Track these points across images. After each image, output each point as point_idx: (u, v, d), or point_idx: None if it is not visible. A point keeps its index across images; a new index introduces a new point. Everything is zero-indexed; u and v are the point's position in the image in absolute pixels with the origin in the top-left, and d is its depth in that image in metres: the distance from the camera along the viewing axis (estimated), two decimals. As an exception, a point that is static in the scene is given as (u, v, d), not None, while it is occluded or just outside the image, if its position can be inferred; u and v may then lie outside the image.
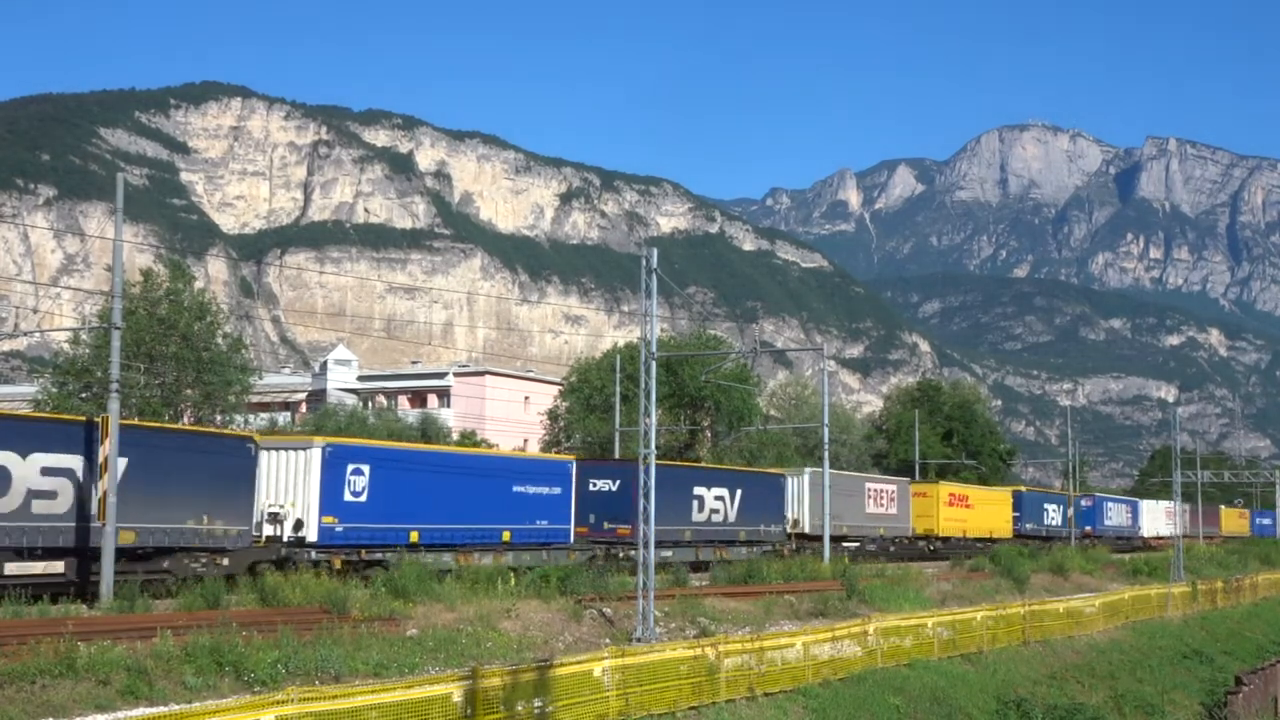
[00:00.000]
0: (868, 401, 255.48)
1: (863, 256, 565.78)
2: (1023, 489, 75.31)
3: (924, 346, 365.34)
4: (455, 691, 16.63)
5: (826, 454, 49.01)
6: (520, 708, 17.53)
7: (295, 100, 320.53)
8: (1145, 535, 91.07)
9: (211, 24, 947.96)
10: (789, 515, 49.69)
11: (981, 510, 66.81)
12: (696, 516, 43.48)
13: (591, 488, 40.48)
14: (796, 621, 29.13)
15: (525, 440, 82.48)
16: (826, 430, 49.34)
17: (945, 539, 62.37)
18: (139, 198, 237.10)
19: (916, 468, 73.67)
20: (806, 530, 49.84)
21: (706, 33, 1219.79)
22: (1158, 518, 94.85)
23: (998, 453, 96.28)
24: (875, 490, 56.58)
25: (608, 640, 23.33)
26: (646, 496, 25.49)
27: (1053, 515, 76.64)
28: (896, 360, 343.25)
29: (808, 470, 51.33)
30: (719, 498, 44.46)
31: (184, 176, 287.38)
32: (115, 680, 15.81)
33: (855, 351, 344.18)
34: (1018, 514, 71.21)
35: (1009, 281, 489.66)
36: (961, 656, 31.16)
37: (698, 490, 43.99)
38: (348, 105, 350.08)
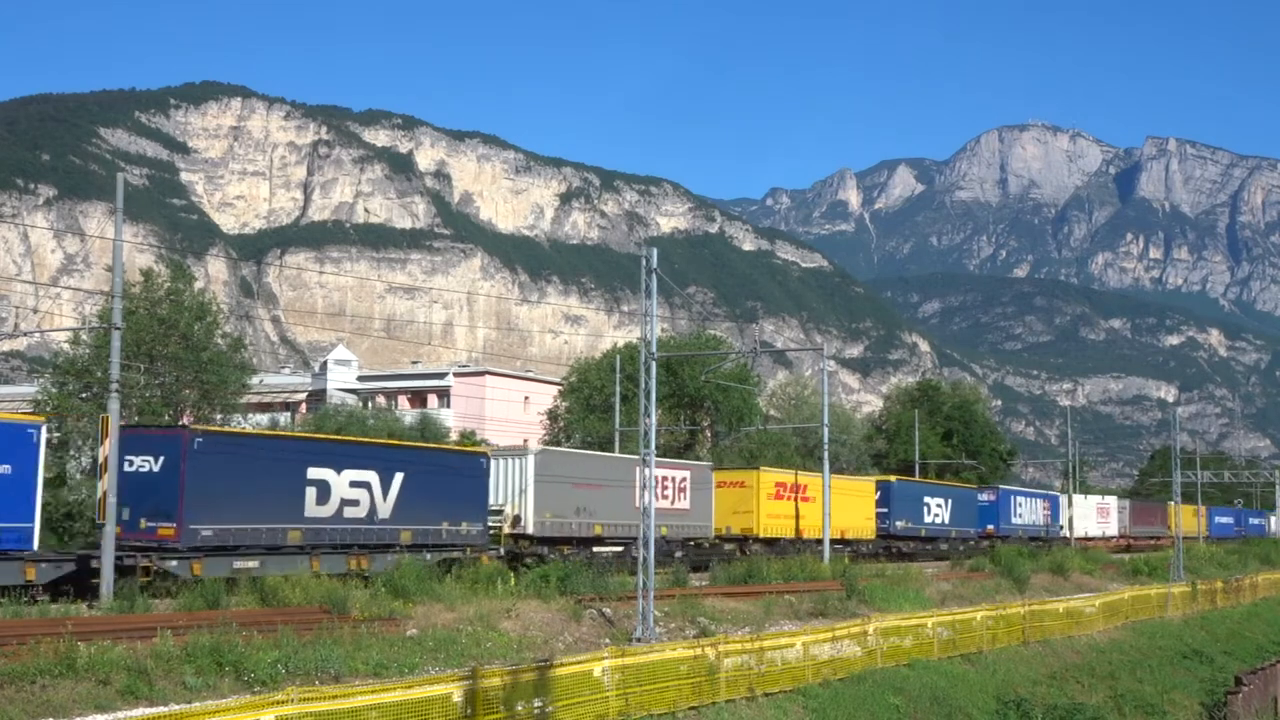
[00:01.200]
0: (868, 401, 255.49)
1: (863, 256, 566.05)
2: (891, 479, 61.43)
3: (924, 346, 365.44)
4: (455, 691, 16.63)
5: (826, 454, 49.10)
6: (520, 708, 17.53)
7: (295, 100, 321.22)
8: (1069, 536, 79.23)
9: (211, 24, 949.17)
10: (507, 511, 36.99)
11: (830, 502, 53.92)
12: (314, 510, 30.42)
13: (127, 468, 28.10)
14: (796, 621, 29.14)
15: (525, 440, 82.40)
16: (826, 430, 49.40)
17: (770, 541, 49.11)
18: (139, 198, 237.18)
19: (916, 468, 73.64)
20: (531, 530, 37.04)
21: (706, 33, 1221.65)
22: (1087, 516, 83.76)
23: (998, 453, 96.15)
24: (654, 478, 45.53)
25: (608, 640, 23.34)
26: (647, 492, 25.51)
27: (936, 511, 63.00)
28: (896, 360, 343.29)
29: (534, 449, 38.76)
30: (360, 484, 31.83)
31: (184, 176, 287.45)
32: (115, 680, 15.81)
33: (855, 351, 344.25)
34: (884, 509, 58.03)
35: (1009, 281, 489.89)
36: (961, 656, 31.17)
37: (317, 473, 30.53)
38: (348, 105, 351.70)
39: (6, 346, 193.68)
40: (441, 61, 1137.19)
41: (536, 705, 17.89)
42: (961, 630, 31.99)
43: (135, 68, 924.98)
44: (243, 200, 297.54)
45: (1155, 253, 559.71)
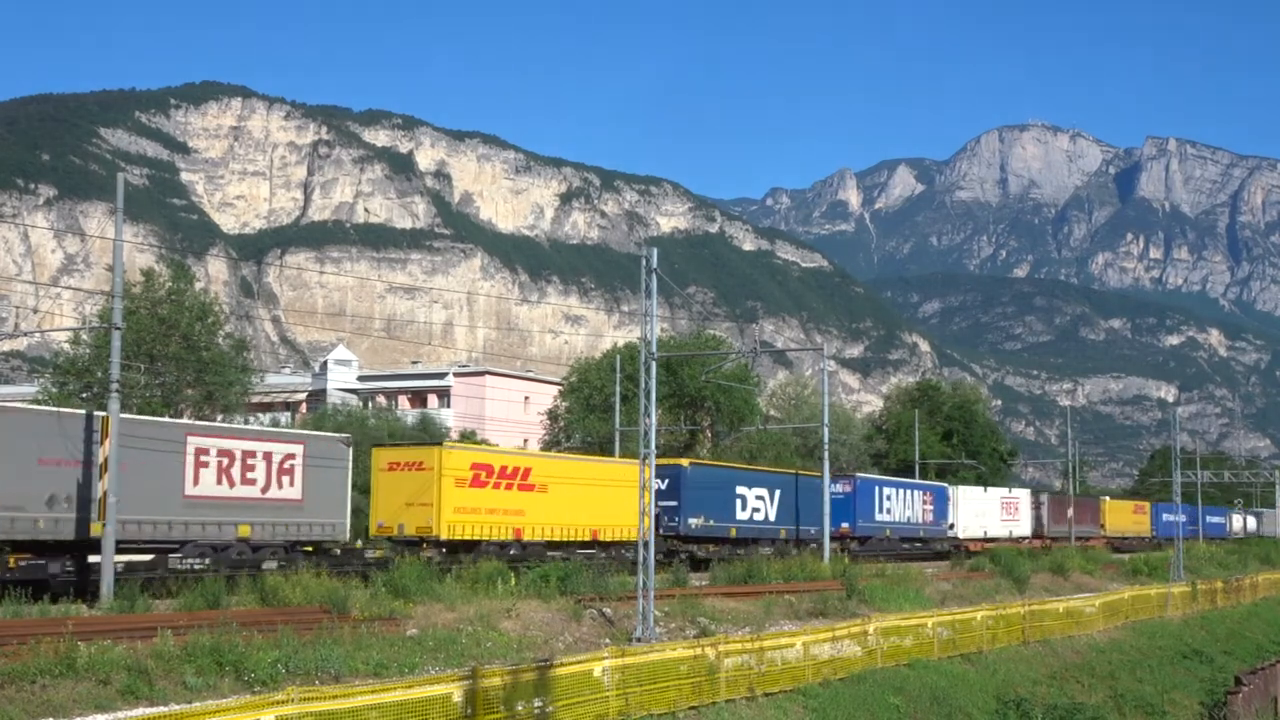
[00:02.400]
0: (868, 401, 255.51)
1: (863, 256, 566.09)
2: (683, 462, 47.86)
3: (924, 346, 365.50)
4: (455, 691, 16.64)
5: (826, 454, 49.01)
6: (520, 708, 17.53)
7: (295, 100, 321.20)
8: (961, 536, 67.13)
9: (211, 24, 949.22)
10: None
11: (570, 496, 39.85)
12: None
13: None
14: (796, 621, 29.16)
15: (525, 440, 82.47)
16: (826, 430, 49.33)
17: (463, 545, 35.80)
18: (139, 198, 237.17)
19: (916, 468, 73.57)
20: None
21: (707, 33, 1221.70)
22: (985, 512, 70.59)
23: (998, 453, 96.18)
24: (221, 453, 30.44)
25: (608, 640, 23.34)
26: (647, 494, 25.50)
27: (755, 505, 49.39)
28: (896, 360, 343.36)
29: None
30: None
31: (184, 176, 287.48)
32: (115, 680, 15.82)
33: (855, 351, 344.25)
34: (672, 502, 44.76)
35: (1009, 281, 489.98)
36: (961, 656, 31.18)
37: None
38: (348, 105, 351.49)
39: (6, 346, 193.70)
40: (441, 61, 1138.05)
41: (536, 705, 17.90)
42: (961, 630, 32.00)
43: (135, 68, 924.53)
44: (243, 200, 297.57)
45: (1155, 253, 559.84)
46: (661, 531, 43.15)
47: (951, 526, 67.05)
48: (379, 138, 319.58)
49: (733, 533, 47.92)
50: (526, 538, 37.78)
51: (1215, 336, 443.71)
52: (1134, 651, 39.58)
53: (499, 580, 27.94)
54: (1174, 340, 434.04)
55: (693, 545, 45.52)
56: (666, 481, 44.73)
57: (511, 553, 36.20)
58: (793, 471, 56.06)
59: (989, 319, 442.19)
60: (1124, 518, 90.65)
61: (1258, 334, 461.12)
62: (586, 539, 40.33)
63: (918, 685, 27.26)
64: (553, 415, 75.47)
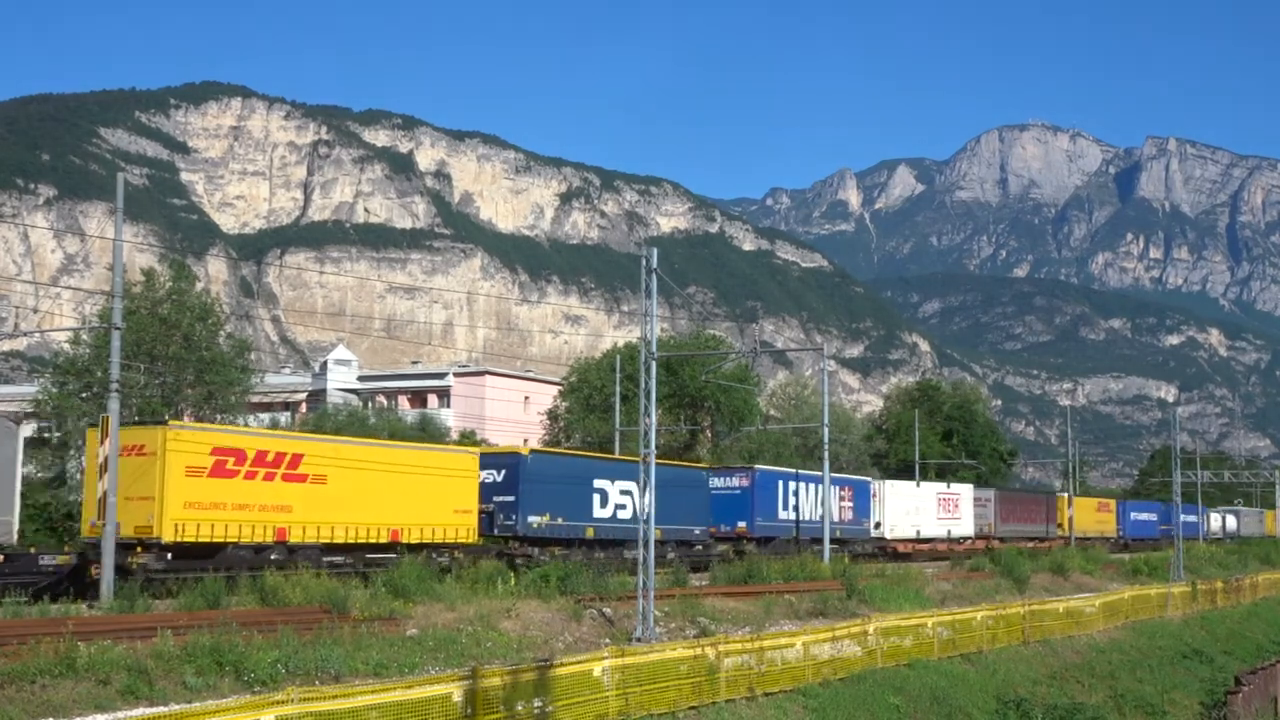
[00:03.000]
0: (868, 401, 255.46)
1: (863, 256, 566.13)
2: (523, 450, 41.29)
3: (924, 346, 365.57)
4: (455, 691, 16.64)
5: (826, 454, 49.00)
6: (520, 707, 17.53)
7: (295, 100, 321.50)
8: (888, 536, 60.42)
9: (211, 24, 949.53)
10: None
11: (358, 489, 32.70)
12: None
13: None
14: (796, 621, 29.15)
15: (525, 440, 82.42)
16: (826, 430, 49.31)
17: (200, 548, 29.08)
18: (139, 198, 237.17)
19: (917, 468, 73.50)
20: None
21: (707, 32, 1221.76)
22: (918, 509, 63.10)
23: (998, 453, 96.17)
24: None
25: (608, 640, 23.34)
26: (648, 493, 25.49)
27: (620, 501, 42.33)
28: (896, 360, 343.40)
29: None
30: None
31: (184, 176, 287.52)
32: (115, 680, 15.82)
33: (855, 351, 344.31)
34: (508, 497, 38.33)
35: (1009, 281, 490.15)
36: (961, 656, 31.17)
37: None
38: (348, 105, 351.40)
39: (6, 346, 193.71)
40: (441, 61, 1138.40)
41: (536, 705, 17.89)
42: (961, 630, 32.00)
43: (135, 68, 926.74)
44: (243, 200, 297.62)
45: (1155, 253, 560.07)
46: (496, 531, 38.17)
47: (877, 525, 59.99)
48: (379, 138, 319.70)
49: (590, 533, 41.07)
50: (294, 539, 30.93)
51: (1215, 336, 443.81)
52: (1134, 651, 39.57)
53: (499, 580, 27.98)
54: (1174, 340, 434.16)
55: (534, 548, 38.53)
56: (502, 473, 38.55)
57: (273, 557, 29.70)
58: (670, 463, 49.26)
59: (989, 319, 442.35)
60: (1086, 516, 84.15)
61: (1258, 334, 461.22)
62: (384, 541, 33.21)
63: (918, 685, 27.26)
64: (553, 415, 75.45)
